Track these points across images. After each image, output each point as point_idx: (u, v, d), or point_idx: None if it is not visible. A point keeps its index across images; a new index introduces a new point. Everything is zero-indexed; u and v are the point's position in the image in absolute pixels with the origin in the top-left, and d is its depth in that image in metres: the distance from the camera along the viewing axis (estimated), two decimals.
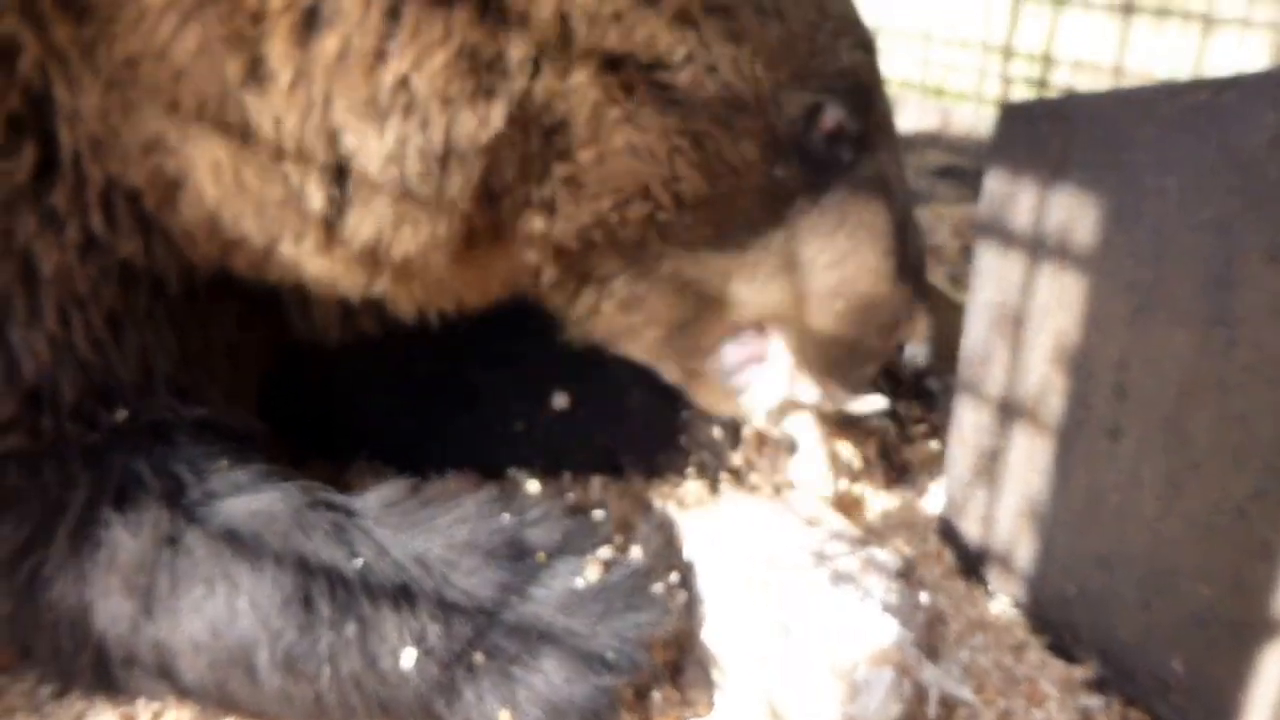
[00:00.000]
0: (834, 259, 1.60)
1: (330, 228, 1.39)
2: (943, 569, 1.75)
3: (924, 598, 1.59)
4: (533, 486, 1.73)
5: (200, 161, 1.37)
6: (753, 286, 1.60)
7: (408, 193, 1.34)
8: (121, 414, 1.50)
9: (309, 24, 1.29)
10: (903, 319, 1.73)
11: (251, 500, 1.46)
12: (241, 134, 1.34)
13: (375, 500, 1.52)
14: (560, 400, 1.93)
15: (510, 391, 1.93)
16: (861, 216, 1.60)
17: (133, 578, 1.39)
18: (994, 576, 1.69)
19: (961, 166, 4.22)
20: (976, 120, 4.37)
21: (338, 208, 1.37)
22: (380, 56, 1.28)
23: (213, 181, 1.38)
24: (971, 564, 1.74)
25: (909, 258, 1.69)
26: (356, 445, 1.97)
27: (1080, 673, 1.52)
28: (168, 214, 1.45)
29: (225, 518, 1.44)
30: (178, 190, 1.42)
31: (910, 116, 4.68)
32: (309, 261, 1.45)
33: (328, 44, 1.29)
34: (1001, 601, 1.67)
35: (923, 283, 1.75)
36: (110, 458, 1.46)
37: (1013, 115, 1.54)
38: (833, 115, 1.52)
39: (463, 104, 1.30)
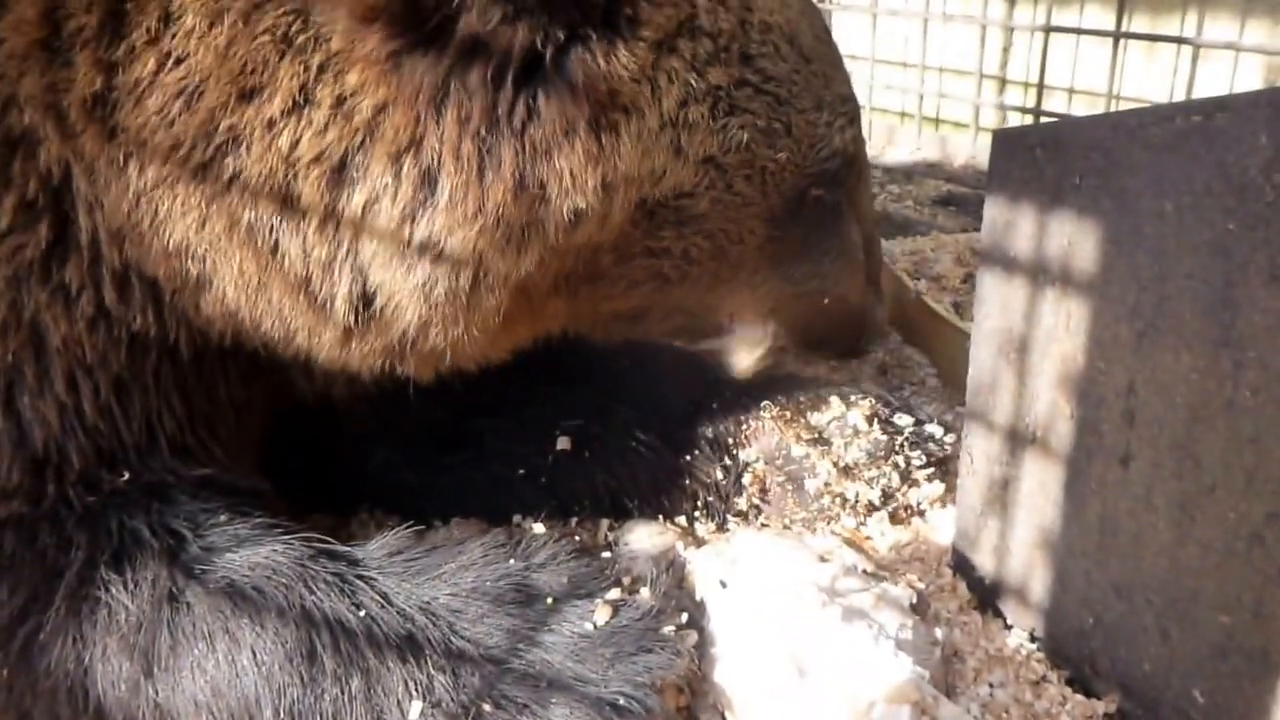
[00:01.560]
0: (819, 275, 1.78)
1: (351, 333, 1.46)
2: (957, 603, 1.73)
3: (939, 633, 1.57)
4: (538, 529, 1.72)
5: (226, 271, 1.43)
6: (746, 301, 1.78)
7: (435, 308, 1.41)
8: (123, 476, 1.51)
9: (339, 178, 1.35)
10: (868, 316, 1.96)
11: (252, 553, 1.45)
12: (271, 253, 1.40)
13: (379, 549, 1.51)
14: (563, 444, 1.92)
15: (513, 437, 1.92)
16: (841, 242, 1.79)
17: (132, 638, 1.38)
18: (1010, 609, 1.67)
19: (961, 195, 4.23)
20: (974, 149, 4.39)
21: (362, 321, 1.44)
22: (412, 219, 1.34)
23: (236, 288, 1.44)
24: (986, 596, 1.71)
25: (872, 269, 1.93)
26: (359, 496, 1.98)
27: (1102, 707, 1.49)
28: (184, 301, 1.50)
29: (226, 572, 1.43)
30: (200, 290, 1.47)
31: (909, 147, 4.70)
32: (326, 353, 1.51)
33: (355, 199, 1.35)
34: (1018, 635, 1.64)
35: (879, 288, 1.99)
36: (108, 518, 1.46)
37: (1008, 143, 1.53)
38: (821, 184, 1.67)
39: (493, 255, 1.37)
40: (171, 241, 1.42)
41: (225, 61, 1.33)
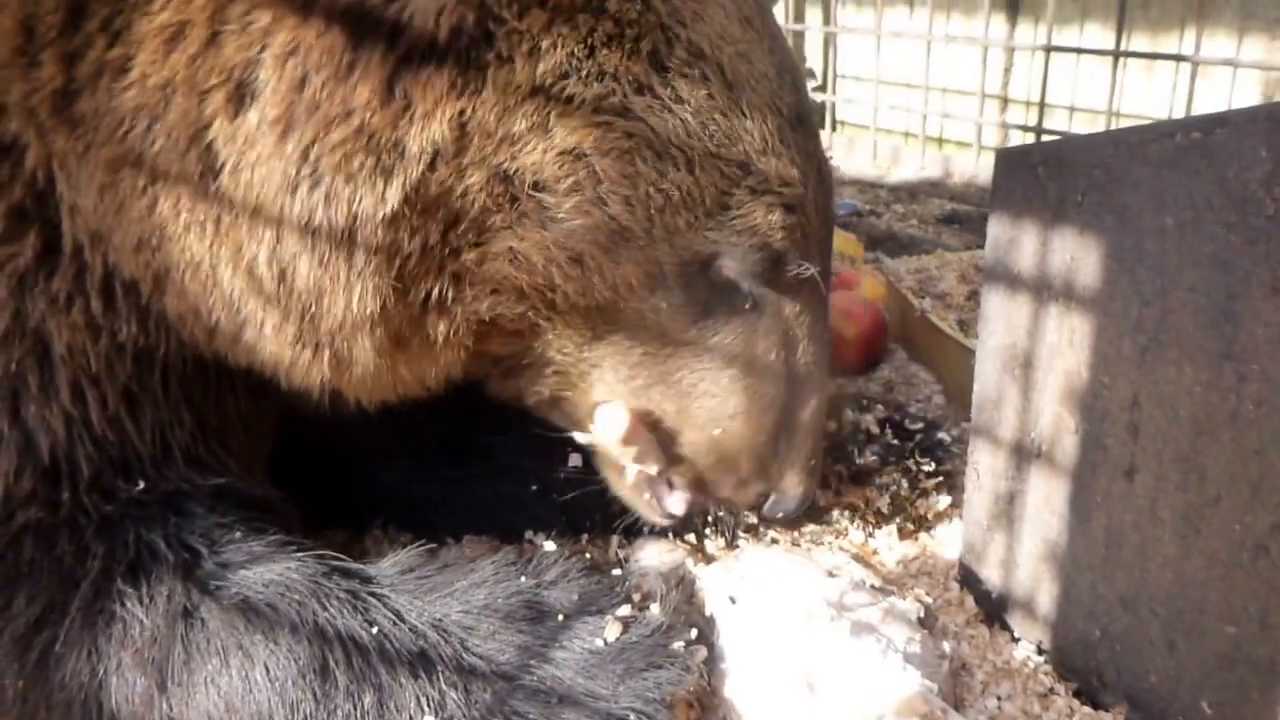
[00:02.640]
0: (712, 393, 1.59)
1: (277, 305, 1.43)
2: (965, 616, 1.74)
3: (947, 646, 1.58)
4: (549, 547, 1.72)
5: (180, 257, 1.42)
6: (618, 384, 1.59)
7: (322, 264, 1.38)
8: (139, 486, 1.51)
9: (239, 96, 1.34)
10: (767, 478, 1.70)
11: (266, 570, 1.46)
12: (211, 225, 1.39)
13: (391, 567, 1.52)
14: (574, 460, 1.93)
15: (524, 453, 1.92)
16: (749, 365, 1.58)
17: (146, 652, 1.38)
18: (1017, 622, 1.68)
19: (964, 213, 4.25)
20: (977, 168, 4.41)
21: (280, 282, 1.41)
22: (288, 128, 1.33)
23: (192, 276, 1.43)
24: (993, 610, 1.72)
25: (792, 418, 1.66)
26: (372, 512, 1.98)
27: (1109, 718, 1.50)
28: (159, 302, 1.49)
29: (240, 588, 1.44)
30: (165, 283, 1.46)
31: (913, 166, 4.73)
32: (266, 346, 1.48)
33: (251, 116, 1.34)
34: (1026, 647, 1.65)
35: (799, 445, 1.69)
36: (125, 529, 1.47)
37: (1010, 161, 1.55)
38: (730, 268, 1.50)
39: (362, 182, 1.34)
40: (131, 234, 1.42)
41: (157, 17, 1.34)
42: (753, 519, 1.95)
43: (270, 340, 1.47)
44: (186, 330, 1.52)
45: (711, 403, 1.59)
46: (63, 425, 1.46)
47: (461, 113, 1.33)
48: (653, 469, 1.66)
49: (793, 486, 1.70)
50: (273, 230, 1.38)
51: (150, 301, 1.49)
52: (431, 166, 1.35)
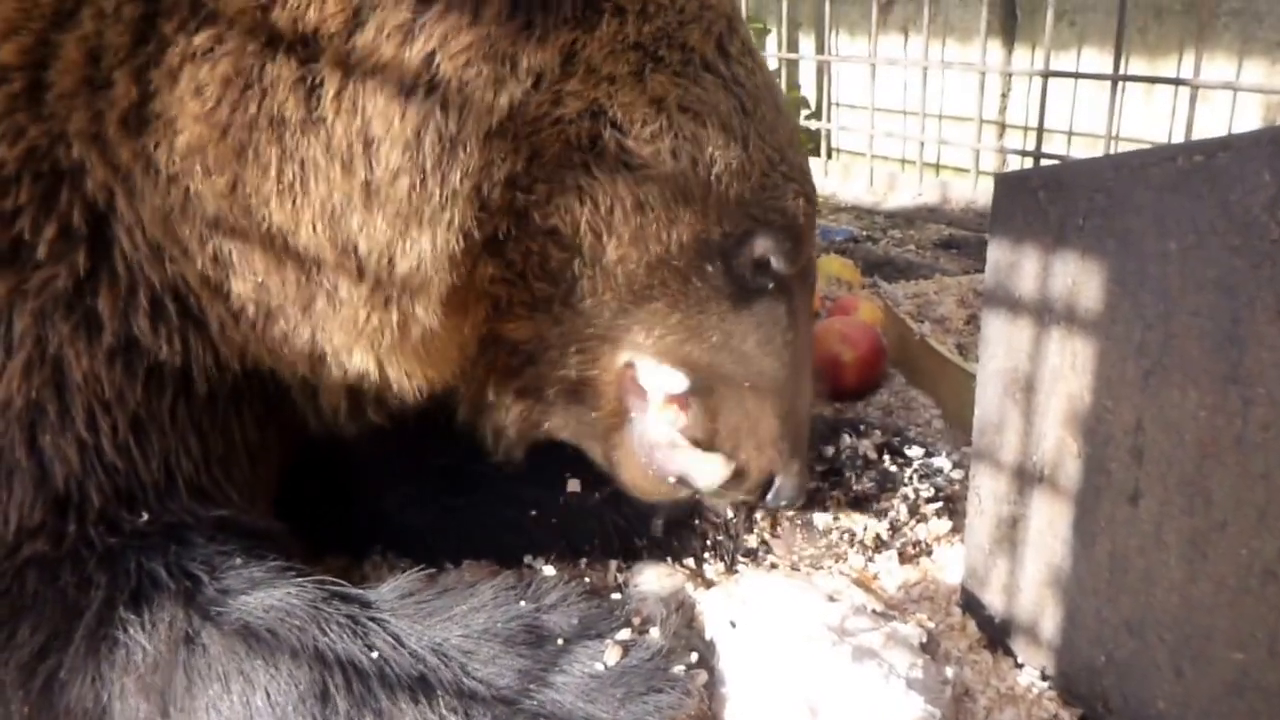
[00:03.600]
0: (739, 357, 1.69)
1: (355, 255, 1.44)
2: (967, 641, 1.73)
3: (950, 672, 1.57)
4: (549, 571, 1.72)
5: (256, 232, 1.44)
6: (658, 339, 1.65)
7: (422, 181, 1.41)
8: (142, 518, 1.51)
9: (353, 19, 1.37)
10: (781, 455, 1.78)
11: (267, 595, 1.45)
12: (300, 185, 1.41)
13: (391, 592, 1.51)
14: (573, 485, 1.93)
15: (523, 478, 1.92)
16: (770, 342, 1.70)
17: (149, 678, 1.38)
18: (1020, 647, 1.67)
19: (962, 238, 4.27)
20: (975, 193, 4.43)
21: (367, 215, 1.42)
22: (410, 34, 1.37)
23: (268, 248, 1.46)
24: (997, 635, 1.71)
25: (794, 409, 1.78)
26: (372, 537, 1.98)
27: None
28: (212, 303, 1.51)
29: (241, 614, 1.43)
30: (229, 272, 1.48)
31: (910, 192, 4.74)
32: (333, 320, 1.50)
33: (368, 32, 1.37)
34: (1030, 673, 1.64)
35: (800, 438, 1.82)
36: (127, 558, 1.47)
37: (1010, 185, 1.55)
38: (762, 246, 1.63)
39: (475, 87, 1.39)
40: (203, 221, 1.44)
41: (249, 4, 1.36)
42: (752, 543, 1.95)
43: (341, 307, 1.48)
44: (233, 329, 1.53)
45: (741, 363, 1.69)
46: (76, 454, 1.47)
47: (573, 42, 1.44)
48: (697, 434, 1.74)
49: (797, 472, 1.81)
50: (373, 150, 1.39)
51: (202, 308, 1.52)
52: (536, 86, 1.43)
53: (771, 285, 1.67)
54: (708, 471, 1.74)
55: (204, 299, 1.51)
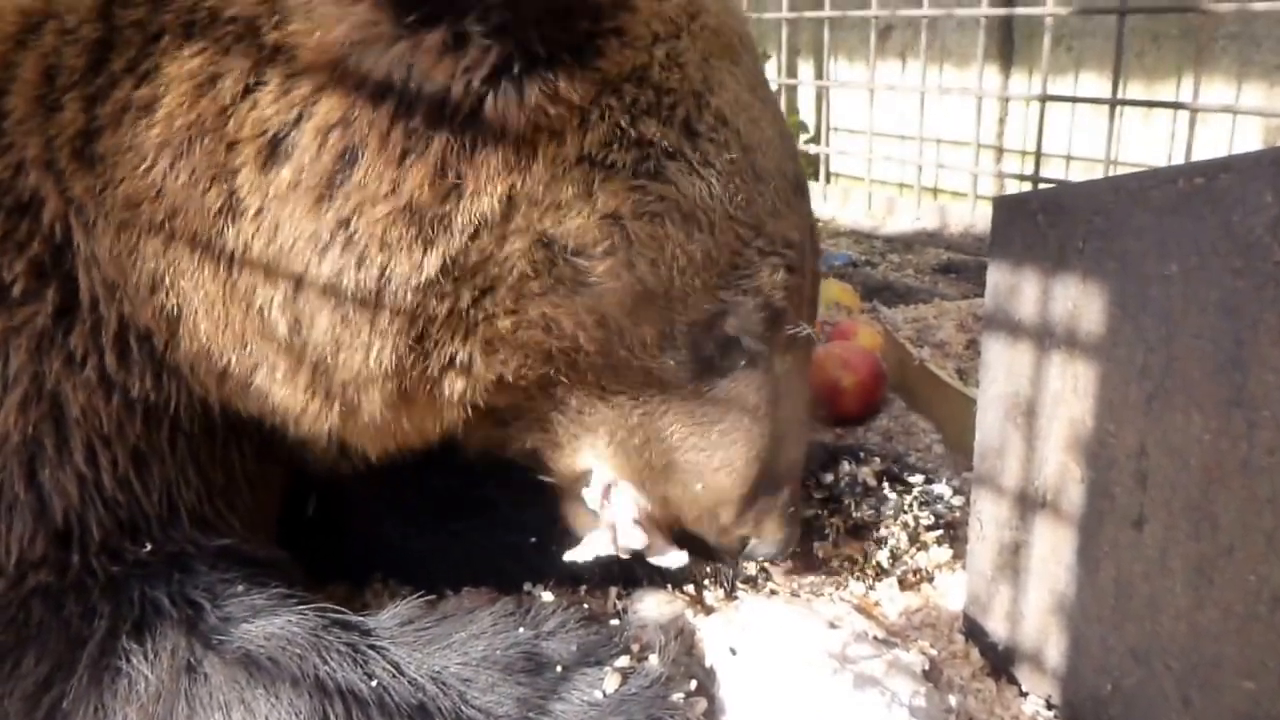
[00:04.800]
0: (701, 446, 1.64)
1: (290, 352, 1.44)
2: (970, 669, 1.71)
3: (953, 700, 1.55)
4: (548, 597, 1.71)
5: (194, 296, 1.43)
6: (619, 444, 1.64)
7: (343, 320, 1.39)
8: (145, 547, 1.51)
9: (271, 154, 1.35)
10: (749, 524, 1.76)
11: (268, 623, 1.45)
12: (225, 264, 1.40)
13: (391, 619, 1.51)
14: None
15: (523, 504, 1.91)
16: (738, 422, 1.63)
17: (151, 707, 1.38)
18: (1024, 675, 1.65)
19: (961, 262, 4.27)
20: (973, 217, 4.44)
21: (295, 332, 1.42)
22: (327, 195, 1.34)
23: (205, 315, 1.44)
24: (1000, 663, 1.69)
25: (774, 469, 1.72)
26: (372, 564, 1.97)
27: None
28: (173, 348, 1.50)
29: (242, 642, 1.43)
30: (178, 325, 1.47)
31: (909, 217, 4.75)
32: (276, 392, 1.49)
33: (284, 174, 1.35)
34: (1034, 702, 1.62)
35: (779, 494, 1.76)
36: (130, 588, 1.47)
37: (1009, 209, 1.55)
38: (733, 324, 1.55)
39: (400, 250, 1.35)
40: (146, 273, 1.43)
41: (186, 63, 1.36)
42: (751, 570, 1.94)
43: (280, 386, 1.47)
44: (198, 378, 1.52)
45: (700, 456, 1.64)
46: (76, 488, 1.47)
47: (511, 186, 1.35)
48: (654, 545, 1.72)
49: (772, 532, 1.76)
50: (292, 282, 1.39)
51: (164, 352, 1.50)
52: (474, 236, 1.37)
53: (743, 363, 1.60)
54: (668, 559, 1.74)
55: (164, 343, 1.50)
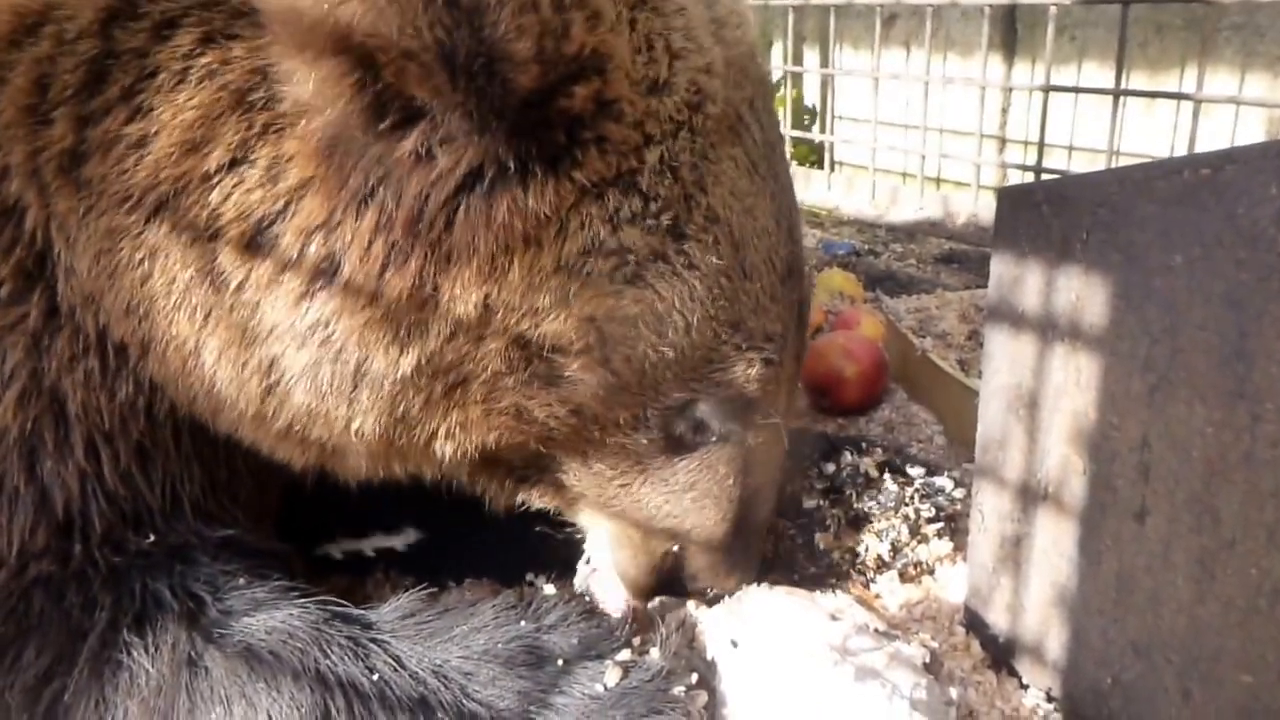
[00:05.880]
0: (674, 513, 1.67)
1: (264, 408, 1.43)
2: (971, 661, 1.71)
3: (954, 692, 1.55)
4: (549, 590, 1.71)
5: (167, 332, 1.42)
6: (603, 507, 1.68)
7: (320, 399, 1.39)
8: (148, 539, 1.52)
9: (254, 242, 1.34)
10: (714, 579, 1.78)
11: (269, 617, 1.45)
12: (202, 317, 1.40)
13: (392, 612, 1.51)
14: None
15: None
16: (708, 491, 1.66)
17: (152, 701, 1.38)
18: (1025, 668, 1.65)
19: (963, 253, 4.26)
20: (976, 208, 4.42)
21: (269, 394, 1.42)
22: (307, 296, 1.34)
23: (176, 353, 1.44)
24: (1000, 655, 1.69)
25: (744, 528, 1.74)
26: (374, 556, 1.97)
27: None
28: (144, 368, 1.50)
29: (243, 636, 1.43)
30: (149, 353, 1.47)
31: (911, 206, 4.74)
32: (245, 433, 1.50)
33: (266, 265, 1.34)
34: (1035, 694, 1.62)
35: (749, 555, 1.80)
36: (132, 579, 1.47)
37: (1013, 199, 1.54)
38: (705, 410, 1.56)
39: (377, 350, 1.35)
40: (122, 299, 1.42)
41: (180, 113, 1.34)
42: None
43: (251, 428, 1.49)
44: (172, 394, 1.53)
45: (673, 522, 1.67)
46: (77, 482, 1.48)
47: (487, 295, 1.33)
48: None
49: (733, 587, 1.78)
50: (269, 357, 1.39)
51: (139, 365, 1.50)
52: (450, 339, 1.36)
53: (715, 439, 1.61)
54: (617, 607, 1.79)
55: (138, 360, 1.50)
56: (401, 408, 1.41)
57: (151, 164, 1.35)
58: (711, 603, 1.74)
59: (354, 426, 1.42)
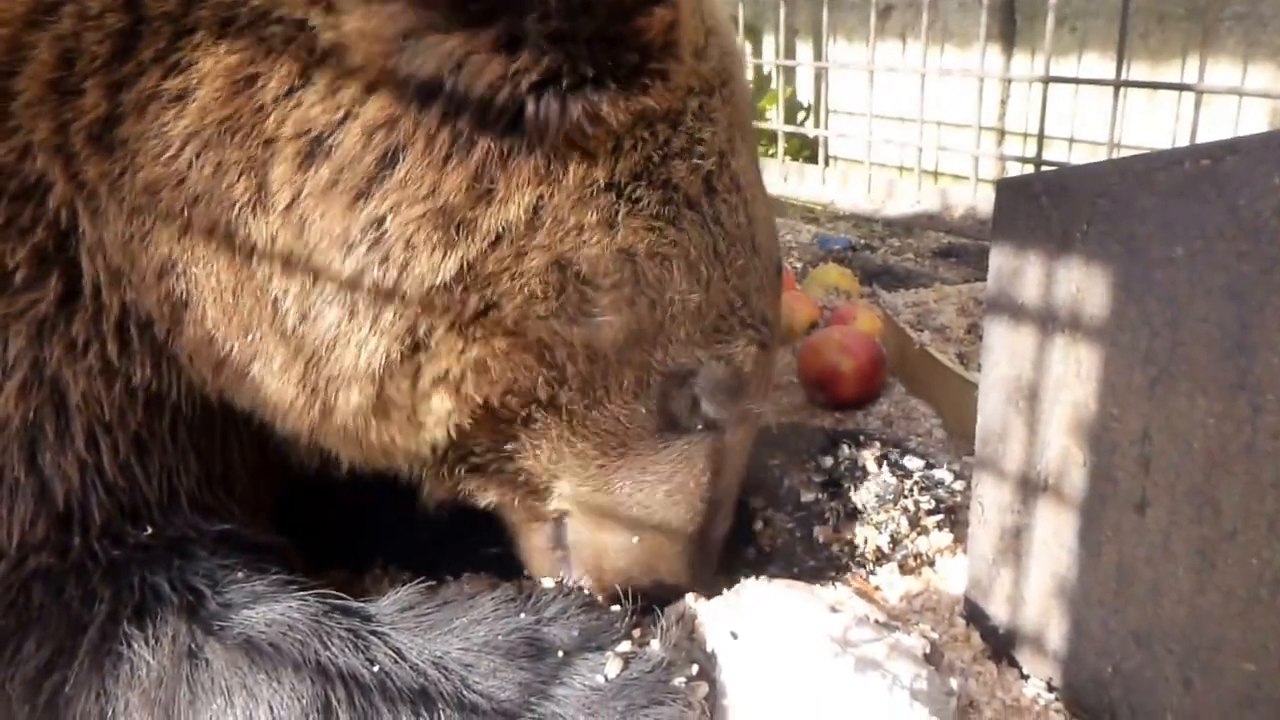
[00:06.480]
0: (645, 504, 1.66)
1: (291, 343, 1.44)
2: (971, 652, 1.71)
3: (954, 683, 1.55)
4: (548, 583, 1.71)
5: (206, 283, 1.43)
6: (575, 494, 1.67)
7: (351, 315, 1.40)
8: (146, 531, 1.52)
9: (312, 152, 1.35)
10: (669, 580, 1.76)
11: (269, 609, 1.45)
12: (243, 254, 1.41)
13: (392, 605, 1.50)
14: None
15: None
16: (683, 485, 1.67)
17: (153, 692, 1.38)
18: (1026, 658, 1.65)
19: (961, 246, 4.26)
20: (974, 200, 4.42)
21: (301, 323, 1.42)
22: (365, 194, 1.35)
23: (214, 302, 1.44)
24: (1001, 646, 1.69)
25: (705, 538, 1.75)
26: (372, 551, 1.98)
27: None
28: (175, 336, 1.50)
29: (243, 628, 1.43)
30: (184, 311, 1.47)
31: (908, 200, 4.73)
32: (269, 383, 1.49)
33: (323, 172, 1.35)
34: (1035, 684, 1.62)
35: (709, 566, 1.80)
36: (131, 573, 1.47)
37: (1012, 191, 1.54)
38: (702, 386, 1.59)
39: (423, 250, 1.36)
40: (158, 257, 1.43)
41: (224, 60, 1.35)
42: (750, 556, 1.94)
43: (274, 377, 1.48)
44: (196, 367, 1.52)
45: (643, 513, 1.67)
46: (77, 473, 1.47)
47: (539, 197, 1.36)
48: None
49: (685, 593, 1.74)
50: (310, 275, 1.39)
51: (166, 339, 1.50)
52: (495, 244, 1.37)
53: (701, 426, 1.63)
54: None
55: (166, 330, 1.50)
56: (423, 329, 1.41)
57: (196, 110, 1.36)
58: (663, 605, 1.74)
59: (364, 354, 1.41)
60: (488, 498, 1.71)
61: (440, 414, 1.50)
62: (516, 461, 1.62)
